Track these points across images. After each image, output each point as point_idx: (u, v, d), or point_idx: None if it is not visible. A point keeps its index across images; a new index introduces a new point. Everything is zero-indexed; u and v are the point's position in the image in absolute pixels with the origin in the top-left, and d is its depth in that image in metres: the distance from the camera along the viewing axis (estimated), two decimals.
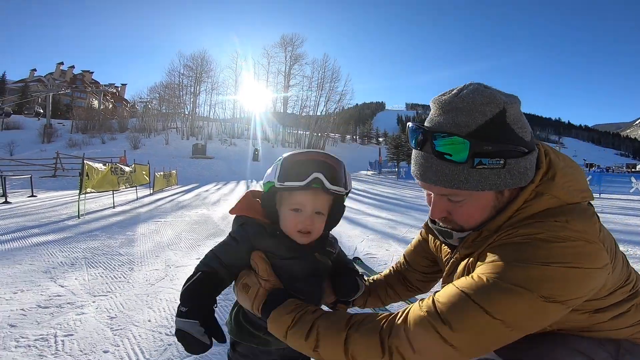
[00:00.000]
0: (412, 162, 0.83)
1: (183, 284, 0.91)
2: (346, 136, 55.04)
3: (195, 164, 30.00)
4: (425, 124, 0.79)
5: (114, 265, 3.78)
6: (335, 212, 1.04)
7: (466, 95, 0.73)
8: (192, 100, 45.41)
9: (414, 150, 0.81)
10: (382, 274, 1.27)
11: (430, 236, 1.09)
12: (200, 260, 0.97)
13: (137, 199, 11.42)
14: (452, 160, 0.72)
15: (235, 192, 15.28)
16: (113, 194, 9.79)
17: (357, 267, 1.21)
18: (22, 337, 2.09)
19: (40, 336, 2.12)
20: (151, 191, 13.95)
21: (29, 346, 1.99)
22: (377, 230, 5.86)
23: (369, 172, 31.47)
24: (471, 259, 0.81)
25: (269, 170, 0.97)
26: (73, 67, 68.54)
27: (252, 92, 47.38)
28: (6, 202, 10.33)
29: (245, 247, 0.96)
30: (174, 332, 2.15)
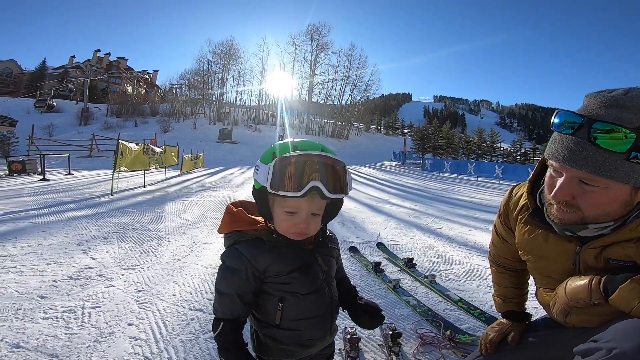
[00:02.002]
0: (556, 145, 0.86)
1: (212, 329, 0.94)
2: (370, 126, 54.21)
3: (221, 148, 30.70)
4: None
5: (143, 240, 3.93)
6: (333, 208, 0.99)
7: (635, 96, 0.78)
8: (219, 86, 46.14)
9: (560, 134, 0.84)
10: (505, 286, 1.35)
11: (525, 229, 1.10)
12: (214, 303, 0.95)
13: (165, 179, 11.82)
14: (606, 149, 0.76)
15: None
16: (144, 173, 10.18)
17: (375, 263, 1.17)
18: (51, 309, 2.14)
19: (69, 308, 2.17)
20: (179, 172, 14.40)
21: (57, 318, 2.03)
22: (400, 219, 5.76)
23: (393, 163, 30.94)
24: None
25: (261, 168, 0.88)
26: (109, 54, 70.97)
27: (278, 80, 47.46)
28: (44, 179, 10.97)
29: (250, 272, 0.92)
30: (197, 307, 2.21)
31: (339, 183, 0.87)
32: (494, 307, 2.37)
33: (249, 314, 0.99)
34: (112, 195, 7.58)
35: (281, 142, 0.93)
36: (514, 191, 1.20)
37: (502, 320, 1.33)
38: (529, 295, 1.36)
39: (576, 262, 0.98)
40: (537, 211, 1.04)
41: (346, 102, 46.95)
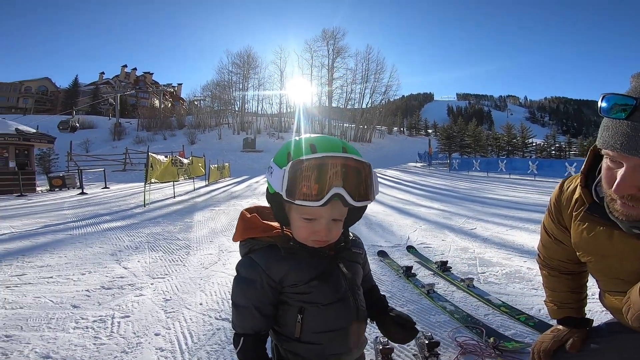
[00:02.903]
0: (610, 132, 0.76)
1: (233, 344, 0.86)
2: (393, 128, 53.50)
3: (245, 157, 31.35)
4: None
5: (173, 249, 3.99)
6: (356, 211, 0.89)
7: None
8: (240, 96, 47.28)
9: (612, 120, 0.75)
10: (561, 291, 1.21)
11: (582, 227, 0.97)
12: (233, 317, 0.87)
13: (194, 189, 12.15)
14: None
15: None
16: (174, 185, 10.50)
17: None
18: (82, 319, 2.17)
19: (99, 317, 2.19)
20: (206, 183, 14.77)
21: (87, 327, 2.05)
22: (429, 221, 5.54)
23: (418, 164, 30.25)
24: None
25: (274, 173, 0.79)
26: (135, 69, 74.87)
27: (297, 86, 47.96)
28: (83, 193, 11.60)
29: (265, 283, 0.84)
30: (223, 316, 2.17)
31: (364, 188, 0.77)
32: (542, 311, 2.18)
33: (270, 327, 0.91)
34: (144, 206, 7.85)
35: (297, 139, 0.84)
36: (564, 185, 1.06)
37: (558, 327, 1.18)
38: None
39: None
40: (595, 206, 0.91)
41: (367, 105, 46.65)
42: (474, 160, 22.00)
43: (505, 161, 19.33)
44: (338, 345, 0.90)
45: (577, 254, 1.04)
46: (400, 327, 0.99)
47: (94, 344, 1.86)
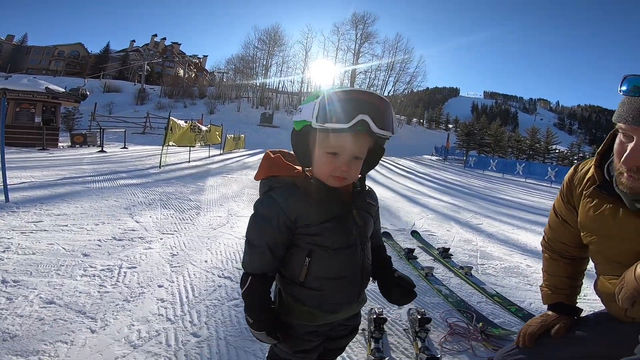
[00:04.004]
0: (625, 107, 0.81)
1: (240, 284, 0.90)
2: (413, 119, 52.55)
3: (261, 131, 31.53)
4: None
5: (184, 208, 4.12)
6: (374, 155, 0.92)
7: None
8: (263, 72, 46.98)
9: (628, 97, 0.80)
10: (558, 275, 1.22)
11: (590, 205, 0.99)
12: (244, 255, 0.91)
13: (209, 156, 12.37)
14: None
15: None
16: (190, 150, 10.70)
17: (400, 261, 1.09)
18: (91, 267, 2.24)
19: (107, 267, 2.26)
20: (221, 151, 14.99)
21: (94, 275, 2.12)
22: (437, 212, 5.52)
23: (434, 157, 29.79)
24: None
25: (305, 108, 0.84)
26: (164, 39, 75.10)
27: (321, 68, 47.28)
28: (102, 151, 11.94)
29: (282, 221, 0.87)
30: (225, 274, 2.25)
31: (386, 119, 0.82)
32: (533, 305, 2.21)
33: (277, 271, 0.95)
34: (160, 168, 8.06)
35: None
36: (579, 166, 1.08)
37: (547, 313, 1.20)
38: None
39: None
40: (605, 184, 0.93)
41: (389, 93, 45.77)
42: (491, 160, 21.51)
43: (523, 164, 18.83)
44: (339, 295, 0.93)
45: (582, 234, 1.05)
46: (400, 289, 1.02)
47: (99, 291, 1.92)
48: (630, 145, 0.79)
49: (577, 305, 1.20)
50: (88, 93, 14.98)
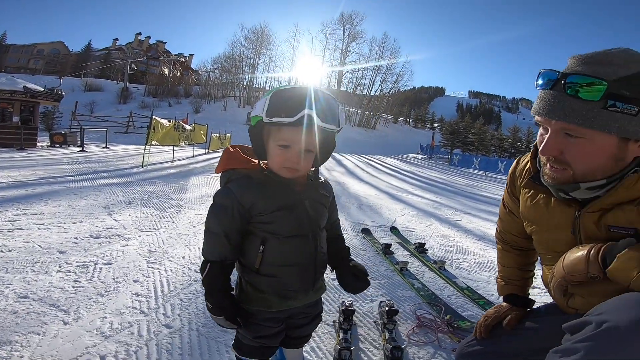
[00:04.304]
0: (537, 101, 0.87)
1: (200, 270, 0.96)
2: (399, 118, 53.08)
3: (248, 130, 31.45)
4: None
5: (164, 207, 4.11)
6: (325, 148, 1.00)
7: (612, 53, 0.79)
8: (250, 71, 46.69)
9: (541, 91, 0.86)
10: (510, 266, 1.28)
11: (527, 195, 1.06)
12: (203, 244, 0.96)
13: (193, 156, 12.26)
14: (582, 99, 0.77)
15: None
16: (173, 149, 10.58)
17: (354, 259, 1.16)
18: (67, 263, 2.23)
19: (83, 263, 2.26)
20: (206, 151, 14.87)
21: (69, 272, 2.11)
22: (419, 208, 5.64)
23: (419, 156, 30.22)
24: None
25: (257, 104, 0.91)
26: (149, 37, 73.85)
27: (308, 67, 47.34)
28: (82, 151, 11.69)
29: (236, 209, 0.94)
30: None
31: (330, 114, 0.90)
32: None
33: (236, 258, 1.00)
34: (142, 167, 7.96)
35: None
36: (521, 159, 1.13)
37: (501, 304, 1.27)
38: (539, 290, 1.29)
39: (576, 229, 0.92)
40: (538, 175, 0.98)
41: (375, 92, 46.17)
42: (474, 158, 21.96)
43: (505, 162, 19.31)
44: (293, 281, 0.99)
45: (524, 224, 1.11)
46: (354, 278, 1.09)
47: (73, 286, 1.93)
48: (546, 137, 0.85)
49: (530, 297, 1.27)
50: (64, 93, 14.60)
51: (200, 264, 2.33)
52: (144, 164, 8.16)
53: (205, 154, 14.15)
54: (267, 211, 0.94)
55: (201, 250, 0.99)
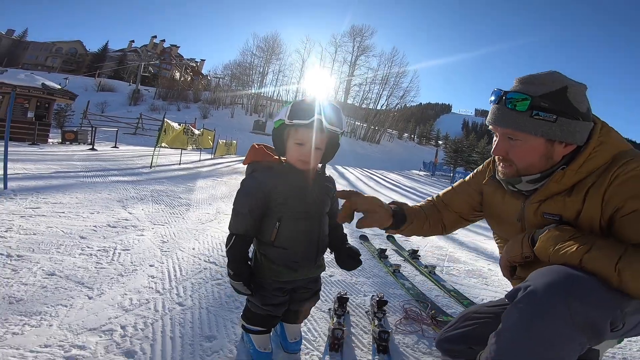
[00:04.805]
0: (489, 113, 1.11)
1: (226, 243, 1.20)
2: (404, 133, 53.49)
3: (254, 138, 31.76)
4: None
5: (174, 204, 4.33)
6: (331, 148, 1.28)
7: (540, 75, 1.03)
8: (259, 79, 47.54)
9: (492, 105, 1.09)
10: (420, 205, 1.43)
11: (489, 192, 1.26)
12: (230, 221, 1.21)
13: (199, 160, 12.53)
14: (515, 110, 1.02)
15: None
16: (181, 152, 10.86)
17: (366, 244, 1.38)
18: (88, 247, 2.43)
19: (103, 247, 2.46)
20: (212, 156, 15.17)
21: (91, 255, 2.31)
22: None
23: (422, 172, 30.41)
24: (571, 196, 1.00)
25: (281, 111, 1.19)
26: (163, 41, 75.51)
27: (316, 78, 48.14)
28: (93, 149, 12.01)
29: (260, 192, 1.19)
30: (211, 260, 2.47)
31: (337, 120, 1.18)
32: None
33: (255, 234, 1.24)
34: (150, 168, 8.22)
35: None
36: (491, 160, 1.33)
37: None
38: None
39: (522, 218, 1.14)
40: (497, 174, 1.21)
41: (382, 106, 46.74)
42: None
43: None
44: (300, 254, 1.23)
45: (488, 221, 1.32)
46: (349, 257, 1.33)
47: (95, 267, 2.12)
48: (495, 140, 1.11)
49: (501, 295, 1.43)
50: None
51: (209, 254, 2.58)
52: (153, 164, 8.43)
53: (212, 158, 14.46)
54: (283, 193, 1.19)
55: (228, 226, 1.23)
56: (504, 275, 1.16)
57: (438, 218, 1.42)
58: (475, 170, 1.42)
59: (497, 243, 1.36)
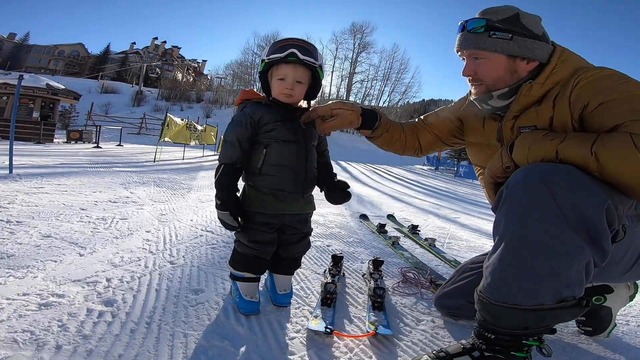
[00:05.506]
0: (456, 42, 1.21)
1: (215, 173, 1.21)
2: None
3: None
4: None
5: (176, 188, 4.37)
6: (314, 85, 1.33)
7: (496, 6, 1.15)
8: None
9: (458, 34, 1.20)
10: (401, 123, 1.55)
11: (470, 120, 1.37)
12: (220, 152, 1.24)
13: (202, 156, 12.59)
14: (474, 32, 1.14)
15: None
16: (184, 148, 10.93)
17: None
18: (87, 217, 2.49)
19: (102, 217, 2.52)
20: (215, 152, 15.20)
21: (89, 222, 2.36)
22: (420, 208, 5.77)
23: (425, 167, 30.21)
24: (541, 105, 1.08)
25: (263, 53, 1.27)
26: (165, 42, 75.85)
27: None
28: (97, 147, 12.13)
29: (249, 122, 1.24)
30: (208, 229, 2.47)
31: (311, 53, 1.23)
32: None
33: (244, 164, 1.25)
34: (154, 162, 8.27)
35: None
36: (468, 92, 1.43)
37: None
38: None
39: (501, 137, 1.20)
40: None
41: (384, 103, 46.58)
42: None
43: None
44: (287, 182, 1.24)
45: (469, 151, 1.41)
46: (339, 191, 1.34)
47: (92, 232, 2.16)
48: (464, 63, 1.21)
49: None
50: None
51: (206, 225, 2.58)
52: (156, 159, 8.48)
53: (215, 154, 14.50)
54: (271, 121, 1.24)
55: (218, 157, 1.26)
56: (489, 199, 1.18)
57: (415, 133, 1.53)
58: (458, 99, 1.49)
59: (479, 178, 1.39)
